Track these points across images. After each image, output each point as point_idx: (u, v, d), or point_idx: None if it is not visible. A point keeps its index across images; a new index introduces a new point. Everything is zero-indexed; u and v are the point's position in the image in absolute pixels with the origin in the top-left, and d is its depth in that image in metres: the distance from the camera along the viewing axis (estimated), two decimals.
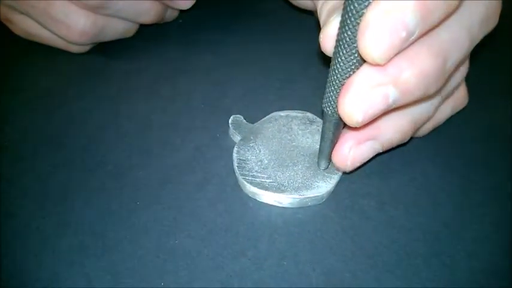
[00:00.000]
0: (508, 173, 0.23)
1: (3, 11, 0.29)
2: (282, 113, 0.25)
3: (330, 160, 0.21)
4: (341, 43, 0.16)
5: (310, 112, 0.25)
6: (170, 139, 0.24)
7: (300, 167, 0.22)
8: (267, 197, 0.21)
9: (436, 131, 0.24)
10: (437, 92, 0.18)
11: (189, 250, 0.19)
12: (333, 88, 0.18)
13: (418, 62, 0.16)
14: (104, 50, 0.30)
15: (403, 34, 0.15)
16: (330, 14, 0.19)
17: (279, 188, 0.21)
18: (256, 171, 0.21)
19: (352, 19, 0.15)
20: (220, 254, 0.19)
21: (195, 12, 0.31)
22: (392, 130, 0.20)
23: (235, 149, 0.22)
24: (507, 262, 0.19)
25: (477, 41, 0.19)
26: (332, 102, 0.18)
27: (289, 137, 0.23)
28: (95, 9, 0.27)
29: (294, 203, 0.21)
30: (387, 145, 0.20)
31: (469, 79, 0.23)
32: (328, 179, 0.21)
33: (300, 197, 0.20)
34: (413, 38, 0.15)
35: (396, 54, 0.16)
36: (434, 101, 0.21)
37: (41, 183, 0.22)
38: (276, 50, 0.31)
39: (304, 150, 0.23)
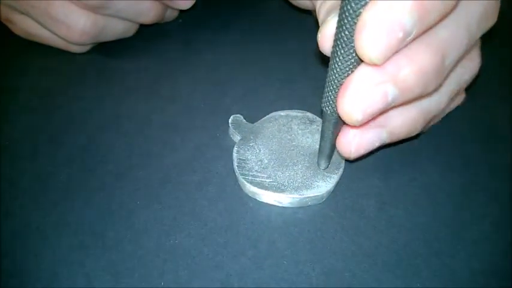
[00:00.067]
0: (508, 173, 0.23)
1: (3, 11, 0.29)
2: (282, 113, 0.25)
3: (330, 160, 0.21)
4: (339, 43, 0.16)
5: (310, 112, 0.25)
6: (170, 139, 0.24)
7: (299, 166, 0.22)
8: (267, 197, 0.21)
9: (436, 131, 0.24)
10: (437, 89, 0.18)
11: (189, 250, 0.19)
12: (331, 88, 0.18)
13: (416, 60, 0.16)
14: (104, 50, 0.30)
15: (400, 34, 0.15)
16: (328, 14, 0.19)
17: (279, 188, 0.21)
18: (256, 170, 0.21)
19: (349, 19, 0.15)
20: (220, 253, 0.19)
21: (195, 12, 0.31)
22: (401, 119, 0.19)
23: (235, 149, 0.22)
24: (507, 262, 0.19)
25: (476, 38, 0.19)
26: (331, 102, 0.18)
27: (289, 137, 0.23)
28: (95, 9, 0.27)
29: (294, 203, 0.21)
30: (395, 135, 0.20)
31: None
32: (328, 178, 0.21)
33: (300, 196, 0.20)
34: (410, 38, 0.15)
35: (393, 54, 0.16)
36: (446, 94, 0.20)
37: (41, 183, 0.22)
38: (276, 50, 0.31)
39: (304, 149, 0.23)
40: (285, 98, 0.27)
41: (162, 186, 0.22)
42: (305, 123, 0.24)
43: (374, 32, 0.15)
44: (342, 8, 0.15)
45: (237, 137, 0.24)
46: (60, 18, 0.27)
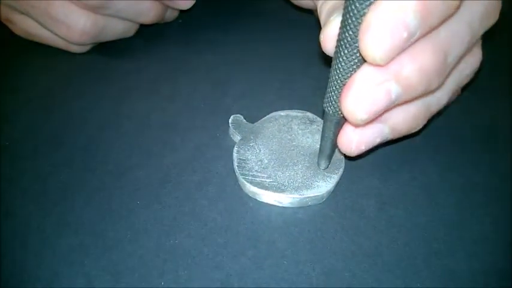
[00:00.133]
0: (508, 173, 0.23)
1: (3, 11, 0.29)
2: (282, 113, 0.25)
3: (330, 160, 0.21)
4: (342, 43, 0.16)
5: (310, 112, 0.25)
6: (170, 139, 0.24)
7: (300, 166, 0.22)
8: (267, 197, 0.21)
9: (436, 131, 0.24)
10: (439, 86, 0.18)
11: (189, 249, 0.19)
12: (334, 88, 0.18)
13: (419, 58, 0.16)
14: (104, 50, 0.30)
15: (405, 35, 0.15)
16: (330, 14, 0.19)
17: (279, 188, 0.21)
18: (256, 170, 0.21)
19: (354, 19, 0.15)
20: (220, 253, 0.19)
21: (195, 12, 0.31)
22: (402, 116, 0.19)
23: (235, 149, 0.22)
24: (507, 262, 0.19)
25: (478, 36, 0.19)
26: (333, 102, 0.18)
27: (289, 137, 0.23)
28: (95, 9, 0.27)
29: (294, 203, 0.21)
30: (397, 131, 0.19)
31: None
32: (328, 178, 0.21)
33: (300, 196, 0.20)
34: (414, 38, 0.15)
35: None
36: (448, 90, 0.20)
37: (41, 183, 0.22)
38: (276, 50, 0.31)
39: (304, 149, 0.23)
40: (285, 98, 0.27)
41: (162, 186, 0.22)
42: (305, 123, 0.24)
43: (379, 33, 0.15)
44: (345, 8, 0.15)
45: (237, 137, 0.24)
46: (60, 18, 0.27)
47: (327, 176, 0.21)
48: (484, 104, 0.27)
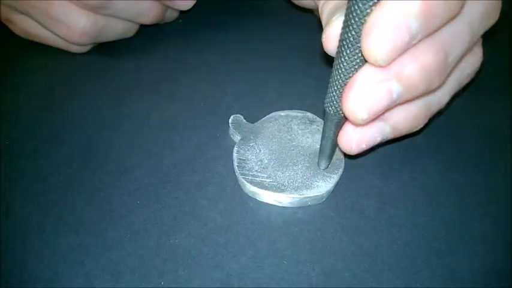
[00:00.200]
0: (508, 173, 0.23)
1: (3, 11, 0.29)
2: (282, 113, 0.25)
3: (330, 160, 0.21)
4: (344, 43, 0.16)
5: (310, 112, 0.25)
6: (170, 138, 0.24)
7: (299, 166, 0.22)
8: (267, 197, 0.21)
9: (437, 131, 0.24)
10: (440, 86, 0.18)
11: (189, 249, 0.19)
12: (335, 88, 0.18)
13: (420, 57, 0.16)
14: (104, 50, 0.30)
15: (407, 37, 0.15)
16: (332, 14, 0.19)
17: (279, 188, 0.21)
18: (256, 170, 0.21)
19: (356, 19, 0.15)
20: (220, 253, 0.19)
21: (195, 12, 0.31)
22: (403, 115, 0.19)
23: (235, 149, 0.22)
24: (507, 262, 0.19)
25: (478, 35, 0.19)
26: (334, 102, 0.18)
27: (289, 137, 0.23)
28: (95, 9, 0.27)
29: (294, 203, 0.21)
30: (397, 130, 0.19)
31: None
32: (328, 178, 0.21)
33: (300, 196, 0.20)
34: (416, 40, 0.15)
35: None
36: (449, 89, 0.20)
37: (41, 183, 0.22)
38: (276, 50, 0.31)
39: (304, 149, 0.23)
40: (285, 98, 0.27)
41: (162, 186, 0.22)
42: (305, 123, 0.24)
43: (381, 34, 0.15)
44: (348, 8, 0.15)
45: (237, 137, 0.24)
46: (60, 18, 0.27)
47: (327, 176, 0.21)
48: (484, 104, 0.27)
